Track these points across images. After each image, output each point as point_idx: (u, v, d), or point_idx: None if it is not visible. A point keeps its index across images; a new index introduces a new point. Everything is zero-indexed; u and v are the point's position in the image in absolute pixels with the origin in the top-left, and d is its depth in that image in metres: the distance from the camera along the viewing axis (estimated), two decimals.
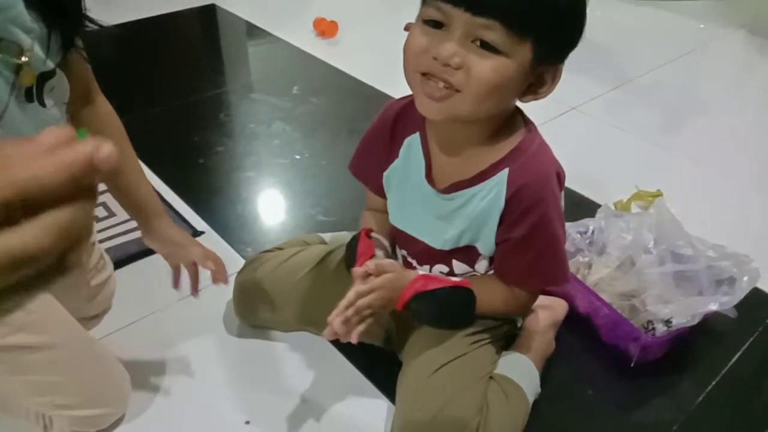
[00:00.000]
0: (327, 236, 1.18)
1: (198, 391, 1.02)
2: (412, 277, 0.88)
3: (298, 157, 1.63)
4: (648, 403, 1.03)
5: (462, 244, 0.87)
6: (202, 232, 1.35)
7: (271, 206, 1.48)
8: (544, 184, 0.80)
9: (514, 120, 0.82)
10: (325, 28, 2.27)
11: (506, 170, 0.80)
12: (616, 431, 0.99)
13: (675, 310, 1.00)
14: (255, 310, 1.10)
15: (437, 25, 0.70)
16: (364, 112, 1.90)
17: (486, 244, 0.86)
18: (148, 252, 1.17)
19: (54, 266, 0.28)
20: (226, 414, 0.98)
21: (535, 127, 0.83)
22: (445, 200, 0.85)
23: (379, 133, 0.90)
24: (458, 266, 0.91)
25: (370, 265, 0.84)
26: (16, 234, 0.26)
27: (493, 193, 0.81)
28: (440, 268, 0.92)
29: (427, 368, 0.91)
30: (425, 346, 0.94)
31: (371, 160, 0.93)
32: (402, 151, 0.88)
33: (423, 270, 0.93)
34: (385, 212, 0.96)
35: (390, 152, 0.90)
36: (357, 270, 0.85)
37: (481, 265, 0.91)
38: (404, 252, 0.97)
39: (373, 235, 0.96)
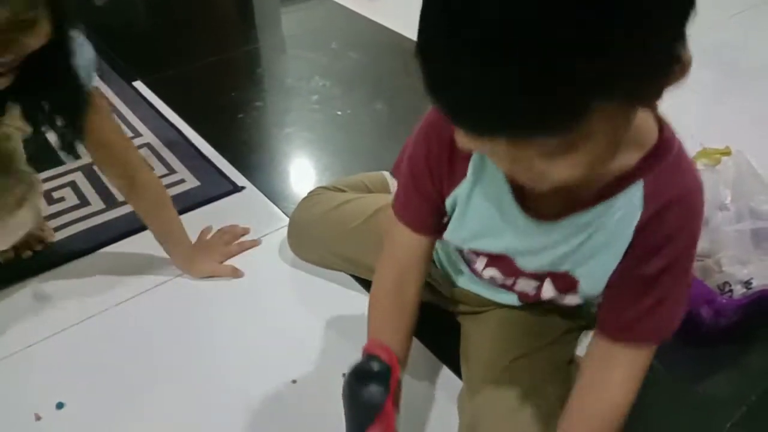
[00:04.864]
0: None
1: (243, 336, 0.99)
2: None
3: (339, 113, 1.57)
4: (720, 374, 0.96)
5: (561, 270, 0.70)
6: (242, 188, 1.31)
7: (313, 162, 1.42)
8: (692, 203, 0.61)
9: (642, 117, 0.58)
10: None
11: (640, 183, 0.59)
12: (686, 405, 0.91)
13: (755, 271, 0.92)
14: (306, 247, 1.10)
15: None
16: (405, 67, 1.82)
17: (592, 282, 0.68)
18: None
19: None
20: (272, 372, 0.94)
21: (668, 125, 0.60)
22: (548, 230, 0.65)
23: (432, 161, 0.69)
24: (548, 289, 0.74)
25: None
26: None
27: (620, 215, 0.61)
28: (527, 283, 0.76)
29: (506, 355, 0.82)
30: (498, 334, 0.85)
31: (422, 197, 0.72)
32: (471, 166, 0.67)
33: (507, 282, 0.77)
34: (423, 258, 0.77)
35: (451, 173, 0.68)
36: None
37: (573, 299, 0.74)
38: (480, 262, 0.77)
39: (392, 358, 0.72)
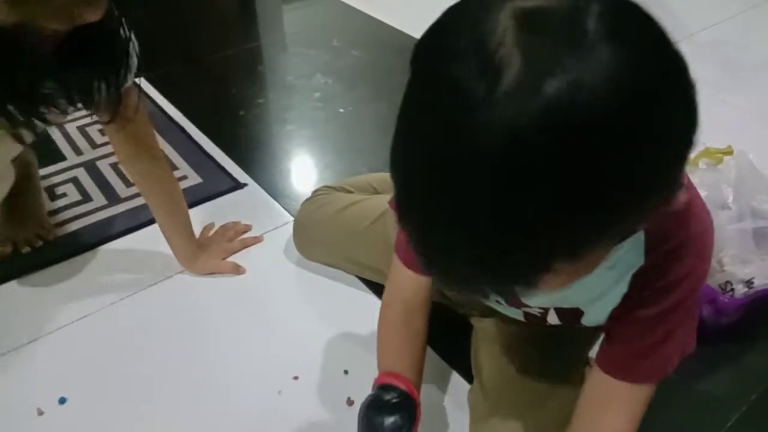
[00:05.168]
0: None
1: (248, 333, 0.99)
2: None
3: (341, 110, 1.57)
4: (721, 373, 0.96)
5: (565, 306, 0.70)
6: (245, 184, 1.31)
7: (315, 160, 1.42)
8: (697, 248, 0.58)
9: None
10: None
11: (641, 234, 0.57)
12: (686, 404, 0.91)
13: (756, 270, 0.92)
14: (312, 248, 1.10)
15: None
16: (408, 65, 1.82)
17: (595, 315, 0.67)
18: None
19: None
20: (274, 369, 0.95)
21: None
22: None
23: None
24: (553, 317, 0.74)
25: None
26: None
27: (618, 265, 0.59)
28: (532, 309, 0.76)
29: (517, 354, 0.82)
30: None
31: None
32: None
33: (513, 309, 0.76)
34: (427, 292, 0.77)
35: None
36: None
37: (579, 325, 0.74)
38: None
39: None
